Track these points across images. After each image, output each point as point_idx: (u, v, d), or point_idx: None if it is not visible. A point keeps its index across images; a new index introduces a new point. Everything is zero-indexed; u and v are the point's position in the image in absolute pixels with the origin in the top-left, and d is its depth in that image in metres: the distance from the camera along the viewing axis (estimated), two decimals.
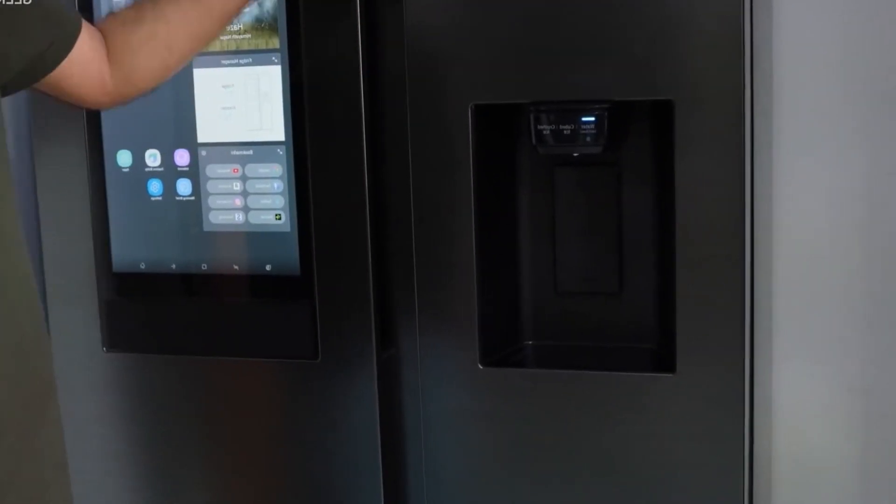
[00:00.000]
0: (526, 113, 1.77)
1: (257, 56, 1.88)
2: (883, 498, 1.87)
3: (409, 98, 1.81)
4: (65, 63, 1.36)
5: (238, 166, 1.91)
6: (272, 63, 1.87)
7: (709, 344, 1.72)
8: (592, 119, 1.72)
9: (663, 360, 1.80)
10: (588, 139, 1.74)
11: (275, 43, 1.87)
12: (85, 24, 1.40)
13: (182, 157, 1.94)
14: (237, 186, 1.92)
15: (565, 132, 1.74)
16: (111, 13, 1.55)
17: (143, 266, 1.99)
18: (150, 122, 1.94)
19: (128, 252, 2.00)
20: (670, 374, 1.74)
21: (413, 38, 1.79)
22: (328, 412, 1.92)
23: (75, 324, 2.04)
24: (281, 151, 1.88)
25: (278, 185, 1.89)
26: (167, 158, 1.94)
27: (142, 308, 2.01)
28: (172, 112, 1.94)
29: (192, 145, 1.93)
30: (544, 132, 1.75)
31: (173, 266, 1.97)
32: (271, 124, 1.88)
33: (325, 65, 1.85)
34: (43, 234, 2.06)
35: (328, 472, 1.94)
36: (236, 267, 1.93)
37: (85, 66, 1.40)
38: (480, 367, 1.83)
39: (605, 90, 1.73)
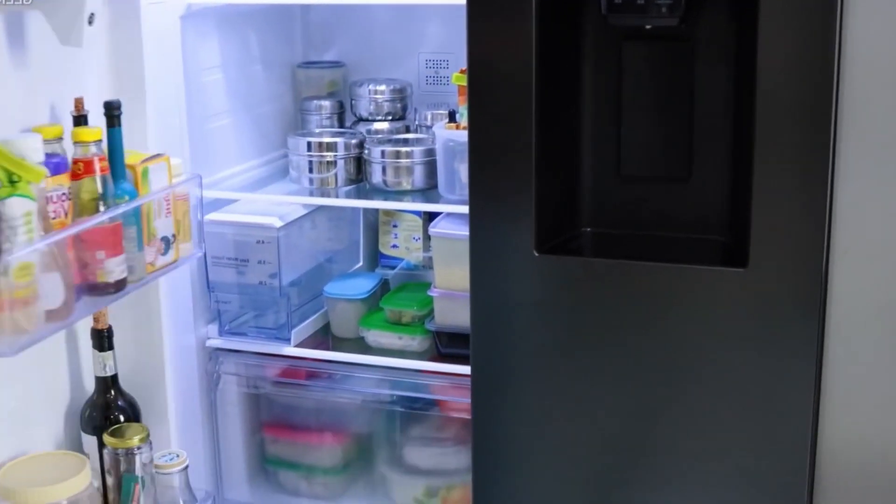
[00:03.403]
0: None
1: None
2: None
3: None
4: None
5: None
6: None
7: (786, 237, 1.60)
8: None
9: (734, 254, 1.68)
10: (664, 10, 1.60)
11: None
12: None
13: None
14: None
15: (639, 1, 1.59)
16: None
17: None
18: None
19: None
20: (741, 269, 1.63)
21: None
22: None
23: None
24: None
25: None
26: None
27: None
28: None
29: None
30: (616, 0, 1.60)
31: None
32: None
33: None
34: None
35: None
36: None
37: None
38: (536, 254, 1.72)
39: None
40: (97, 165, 1.70)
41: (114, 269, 1.71)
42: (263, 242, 2.16)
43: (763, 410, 1.67)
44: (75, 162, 1.69)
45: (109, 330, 1.86)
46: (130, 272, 1.75)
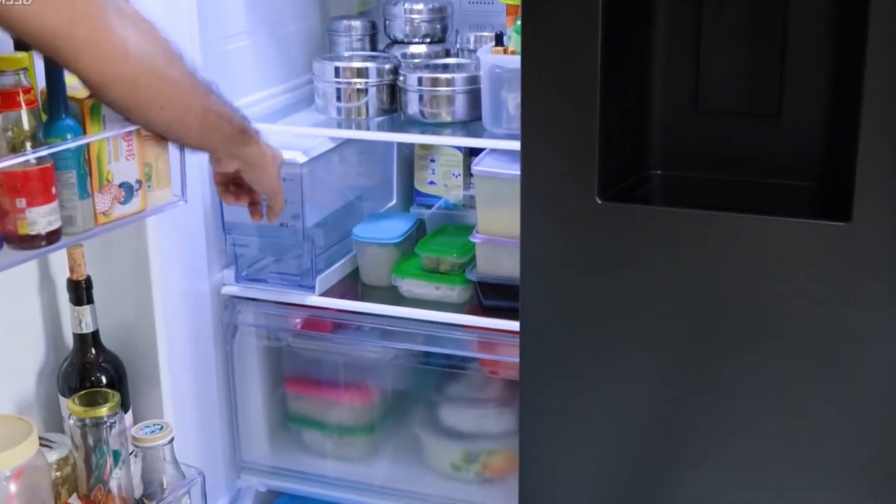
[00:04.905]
0: None
1: None
2: None
3: None
4: None
5: None
6: None
7: None
8: None
9: (832, 204, 1.49)
10: None
11: None
12: None
13: None
14: None
15: None
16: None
17: None
18: None
19: None
20: (842, 224, 1.44)
21: None
22: None
23: None
24: None
25: None
26: None
27: None
28: None
29: None
30: None
31: None
32: None
33: None
34: None
35: None
36: None
37: None
38: (598, 200, 1.55)
39: None
40: (22, 98, 1.46)
41: (38, 219, 1.48)
42: (285, 180, 1.95)
43: (863, 385, 1.49)
44: None
45: (88, 281, 1.64)
46: (69, 223, 1.53)
